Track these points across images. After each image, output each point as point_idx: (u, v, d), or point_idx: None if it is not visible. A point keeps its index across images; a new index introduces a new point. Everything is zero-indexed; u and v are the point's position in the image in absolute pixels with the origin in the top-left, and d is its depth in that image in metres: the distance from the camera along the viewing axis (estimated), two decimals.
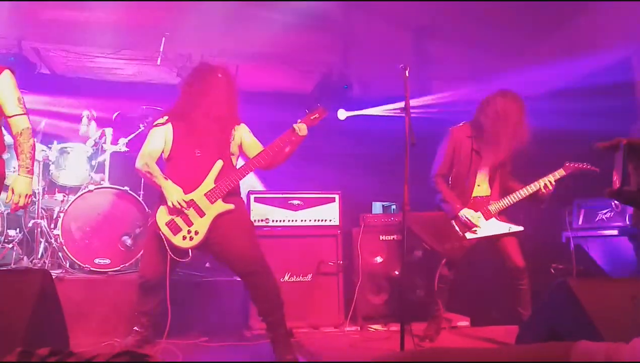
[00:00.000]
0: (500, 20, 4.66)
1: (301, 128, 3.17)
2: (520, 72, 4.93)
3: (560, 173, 3.53)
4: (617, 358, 0.77)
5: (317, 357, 3.22)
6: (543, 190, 3.50)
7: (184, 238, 3.05)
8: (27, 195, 2.86)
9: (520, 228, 3.53)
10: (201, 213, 3.07)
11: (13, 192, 2.82)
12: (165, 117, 3.25)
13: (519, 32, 4.87)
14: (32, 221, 4.13)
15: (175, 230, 3.06)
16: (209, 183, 3.10)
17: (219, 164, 3.13)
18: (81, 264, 3.87)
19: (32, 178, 2.90)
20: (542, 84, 5.21)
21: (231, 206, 3.10)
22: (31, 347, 1.36)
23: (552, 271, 4.23)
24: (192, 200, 3.06)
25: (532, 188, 3.53)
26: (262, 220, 4.05)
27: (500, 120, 3.45)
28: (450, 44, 5.22)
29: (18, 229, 4.22)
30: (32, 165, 2.90)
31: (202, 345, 3.42)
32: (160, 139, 3.21)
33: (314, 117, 3.23)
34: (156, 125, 3.25)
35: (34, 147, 2.91)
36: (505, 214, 3.61)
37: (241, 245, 3.09)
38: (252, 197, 4.06)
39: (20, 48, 5.01)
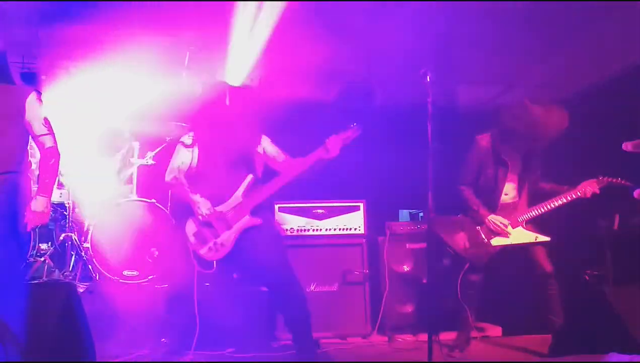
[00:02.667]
0: (523, 24, 4.57)
1: (332, 150, 3.13)
2: (544, 75, 4.83)
3: (593, 187, 3.40)
4: None
5: None
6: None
7: (210, 249, 3.09)
8: (38, 213, 2.82)
9: (547, 238, 3.44)
10: (229, 227, 3.10)
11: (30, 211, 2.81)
12: (191, 135, 3.31)
13: (542, 36, 4.76)
14: (63, 234, 4.21)
15: (202, 241, 3.10)
16: (237, 197, 3.13)
17: (248, 178, 3.17)
18: (110, 276, 3.92)
19: (47, 198, 2.87)
20: (566, 87, 5.08)
21: (258, 220, 3.13)
22: (57, 358, 1.38)
23: (587, 277, 4.09)
24: (221, 213, 3.10)
25: (562, 200, 3.44)
26: (286, 230, 4.04)
27: (537, 132, 3.35)
28: (474, 49, 5.15)
29: (50, 243, 4.31)
30: (50, 186, 2.90)
31: (229, 356, 3.41)
32: (187, 154, 3.28)
33: (346, 136, 3.18)
34: (182, 143, 3.31)
35: (54, 167, 2.92)
36: (534, 222, 3.52)
37: (269, 255, 3.11)
38: (276, 206, 4.07)
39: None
